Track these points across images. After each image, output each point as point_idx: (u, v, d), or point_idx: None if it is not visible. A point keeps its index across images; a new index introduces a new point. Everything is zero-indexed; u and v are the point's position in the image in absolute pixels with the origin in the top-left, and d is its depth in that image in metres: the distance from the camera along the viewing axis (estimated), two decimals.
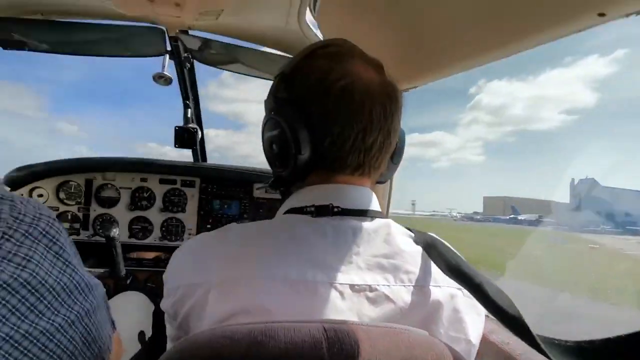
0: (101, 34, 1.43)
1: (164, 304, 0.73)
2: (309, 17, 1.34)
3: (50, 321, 0.52)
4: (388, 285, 0.65)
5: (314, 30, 1.43)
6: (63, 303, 0.55)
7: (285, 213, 0.75)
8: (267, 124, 0.75)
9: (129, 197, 2.04)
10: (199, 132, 1.95)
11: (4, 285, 0.46)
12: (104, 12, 1.37)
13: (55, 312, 0.53)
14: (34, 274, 0.50)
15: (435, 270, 0.69)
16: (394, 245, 0.69)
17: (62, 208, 1.98)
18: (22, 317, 0.48)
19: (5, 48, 1.34)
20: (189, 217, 2.10)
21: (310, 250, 0.66)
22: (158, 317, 1.67)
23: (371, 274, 0.65)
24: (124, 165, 2.03)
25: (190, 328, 0.67)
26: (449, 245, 0.75)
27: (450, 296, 0.68)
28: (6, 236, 0.49)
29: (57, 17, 1.39)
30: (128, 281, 1.83)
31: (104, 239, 1.78)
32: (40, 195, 1.96)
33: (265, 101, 0.79)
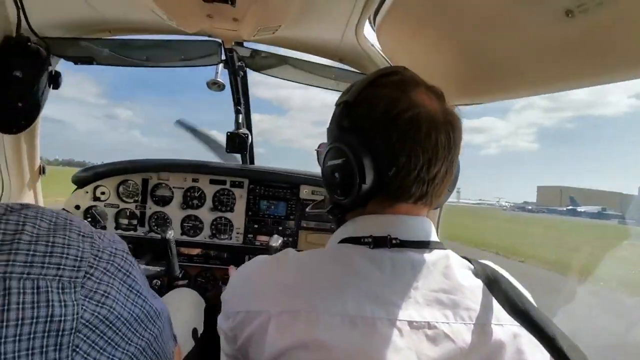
0: (162, 49, 1.49)
1: (223, 325, 0.75)
2: (366, 30, 1.32)
3: (125, 351, 0.55)
4: (447, 323, 0.63)
5: (371, 42, 1.41)
6: (135, 332, 0.57)
7: (340, 242, 0.74)
8: (330, 152, 0.75)
9: (181, 197, 2.13)
10: (249, 137, 1.99)
11: (86, 324, 0.49)
12: (165, 28, 1.42)
13: (129, 342, 0.56)
14: (111, 310, 0.53)
15: (497, 307, 0.66)
16: (453, 279, 0.67)
17: (122, 205, 2.11)
18: (101, 351, 0.51)
19: (76, 63, 1.43)
20: (237, 216, 2.17)
21: (367, 284, 0.65)
22: (209, 315, 1.75)
23: (430, 310, 0.64)
24: (177, 166, 2.12)
25: (250, 355, 0.68)
26: (512, 281, 0.72)
27: (514, 335, 0.65)
28: (88, 275, 0.51)
29: (123, 35, 1.47)
30: (180, 277, 1.93)
31: (159, 236, 1.89)
32: (103, 193, 2.10)
33: (328, 129, 0.79)
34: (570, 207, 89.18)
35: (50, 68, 0.66)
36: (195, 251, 2.14)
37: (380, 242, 0.68)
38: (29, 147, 1.67)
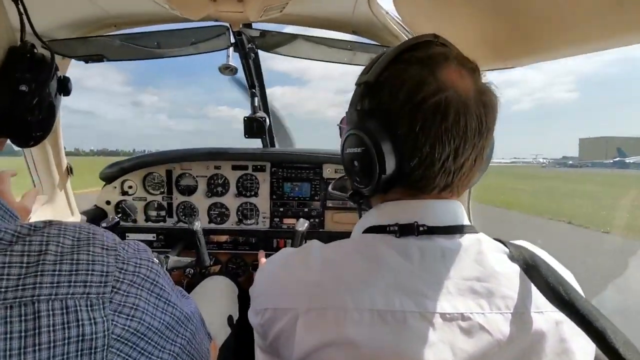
0: (170, 38, 1.45)
1: (253, 321, 0.75)
2: None
3: (158, 359, 0.55)
4: (482, 313, 0.60)
5: (386, 9, 1.32)
6: (168, 339, 0.58)
7: (365, 231, 0.71)
8: (348, 138, 0.70)
9: (205, 185, 2.15)
10: (267, 120, 1.95)
11: (118, 338, 0.49)
12: (170, 17, 1.38)
13: (162, 350, 0.56)
14: (142, 321, 0.53)
15: (536, 293, 0.62)
16: (487, 265, 0.63)
17: (149, 198, 2.15)
18: None
19: (86, 62, 1.43)
20: (262, 201, 2.17)
21: (395, 275, 0.62)
22: (243, 301, 1.79)
23: (463, 299, 0.60)
24: (198, 155, 2.12)
25: (280, 353, 0.67)
26: (553, 263, 0.67)
27: (555, 323, 0.60)
28: (115, 289, 0.51)
29: (129, 28, 1.44)
30: (211, 264, 1.96)
31: (186, 225, 1.92)
32: (130, 187, 2.14)
33: (347, 112, 0.73)
34: (617, 159, 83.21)
35: (59, 74, 0.63)
36: (224, 238, 2.17)
37: (407, 230, 0.65)
38: (54, 150, 1.72)
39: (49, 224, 0.51)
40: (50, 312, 0.44)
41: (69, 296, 0.46)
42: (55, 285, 0.45)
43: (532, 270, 0.62)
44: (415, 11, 1.18)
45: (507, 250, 0.67)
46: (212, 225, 2.17)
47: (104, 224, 1.80)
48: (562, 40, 0.92)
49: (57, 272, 0.46)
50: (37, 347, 0.42)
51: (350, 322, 0.58)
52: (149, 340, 0.54)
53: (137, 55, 1.50)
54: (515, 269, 0.64)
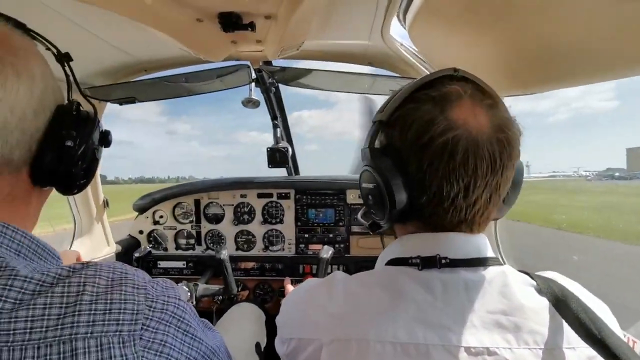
0: (195, 78, 1.54)
1: (279, 350, 0.76)
2: (393, 30, 1.27)
3: None
4: (510, 348, 0.58)
5: (400, 41, 1.36)
6: None
7: (387, 263, 0.72)
8: (363, 174, 0.72)
9: (232, 213, 2.21)
10: (290, 149, 2.01)
11: None
12: (195, 60, 1.48)
13: None
14: (170, 357, 0.55)
15: (567, 328, 0.59)
16: (513, 298, 0.62)
17: (179, 227, 2.23)
18: None
19: (121, 104, 1.54)
20: (288, 227, 2.20)
21: (418, 308, 0.61)
22: (270, 327, 1.80)
23: (488, 333, 0.59)
24: (224, 185, 2.20)
25: None
26: (584, 296, 0.64)
27: (588, 359, 0.58)
28: (144, 326, 0.53)
29: (158, 72, 1.55)
30: (239, 291, 1.99)
31: (214, 252, 1.98)
32: (161, 217, 2.24)
33: (362, 150, 0.74)
34: None
35: (101, 126, 0.69)
36: (251, 264, 2.21)
37: (429, 262, 0.65)
38: (92, 187, 1.84)
39: (86, 265, 0.55)
40: (87, 350, 0.47)
41: (103, 334, 0.49)
42: (91, 324, 0.48)
43: (562, 304, 0.60)
44: (431, 42, 1.20)
45: (534, 283, 0.66)
46: (240, 252, 2.22)
47: (136, 254, 1.88)
48: (581, 67, 0.92)
49: (92, 312, 0.49)
50: None
51: (373, 354, 0.59)
52: None
53: (166, 95, 1.60)
54: (544, 303, 0.62)
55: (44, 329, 0.46)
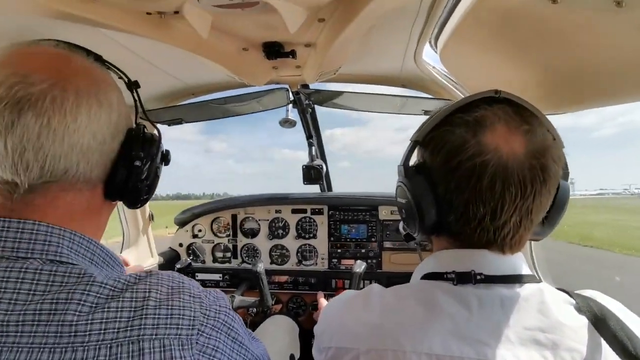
0: (237, 100, 1.65)
1: (317, 358, 0.80)
2: (426, 54, 1.32)
3: None
4: None
5: (432, 64, 1.41)
6: None
7: (423, 278, 0.73)
8: (398, 189, 0.77)
9: (267, 228, 2.29)
10: (324, 167, 2.07)
11: None
12: (238, 84, 1.59)
13: None
14: None
15: (606, 347, 0.59)
16: (551, 316, 0.62)
17: (216, 240, 2.33)
18: None
19: (169, 125, 1.67)
20: (321, 242, 2.25)
21: (453, 322, 0.63)
22: (304, 339, 1.84)
23: (525, 350, 0.60)
24: (260, 201, 2.29)
25: None
26: (624, 315, 0.63)
27: None
28: (200, 332, 0.59)
29: (204, 95, 1.68)
30: (273, 303, 2.05)
31: (250, 266, 2.05)
32: (200, 230, 2.34)
33: (398, 167, 0.77)
34: None
35: (162, 148, 0.78)
36: (285, 278, 2.26)
37: (464, 278, 0.66)
38: None
39: (149, 274, 0.61)
40: (152, 350, 0.53)
41: (165, 336, 0.54)
42: (155, 326, 0.54)
43: (601, 323, 0.60)
44: (462, 65, 1.24)
45: (573, 301, 0.65)
46: (274, 266, 2.29)
47: (178, 265, 1.98)
48: (610, 88, 0.94)
49: (156, 316, 0.55)
50: None
51: None
52: None
53: (210, 116, 1.72)
54: (582, 322, 0.62)
55: (116, 330, 0.52)
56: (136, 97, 0.78)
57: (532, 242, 1.58)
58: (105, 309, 0.53)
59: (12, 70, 0.55)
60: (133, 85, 0.77)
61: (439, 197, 0.67)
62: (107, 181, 0.65)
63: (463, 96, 1.44)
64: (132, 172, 0.66)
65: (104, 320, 0.52)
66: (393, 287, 0.74)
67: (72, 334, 0.51)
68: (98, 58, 0.68)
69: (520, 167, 0.61)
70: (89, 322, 0.52)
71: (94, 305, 0.53)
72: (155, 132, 0.76)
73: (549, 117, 0.69)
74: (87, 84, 0.59)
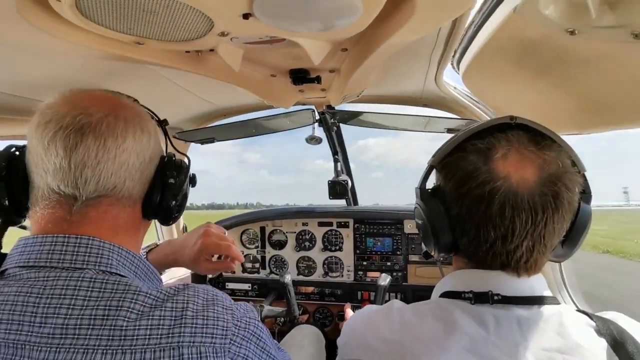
0: (267, 119, 1.74)
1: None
2: (447, 75, 1.36)
3: None
4: None
5: (453, 85, 1.45)
6: None
7: (441, 296, 0.75)
8: (415, 210, 0.80)
9: (294, 240, 2.35)
10: (349, 183, 2.13)
11: None
12: (266, 106, 1.68)
13: None
14: None
15: None
16: (569, 338, 0.62)
17: (246, 252, 2.41)
18: None
19: (202, 144, 1.78)
20: (346, 255, 2.29)
21: (470, 340, 0.64)
22: (330, 350, 1.87)
23: None
24: (288, 214, 2.37)
25: None
26: None
27: None
28: (232, 341, 0.64)
29: (235, 116, 1.78)
30: (300, 314, 2.10)
31: (278, 276, 2.11)
32: None
33: (415, 189, 0.80)
34: None
35: (189, 173, 0.87)
36: (311, 289, 2.32)
37: (482, 298, 0.67)
38: None
39: (187, 286, 0.68)
40: (190, 355, 0.58)
41: (202, 344, 0.60)
42: (193, 334, 0.60)
43: (620, 346, 0.61)
44: (485, 87, 1.27)
45: (593, 324, 0.66)
46: (301, 277, 2.35)
47: (210, 275, 2.07)
48: (631, 112, 0.95)
49: (194, 325, 0.61)
50: None
51: None
52: None
53: (240, 135, 1.82)
54: (602, 344, 0.62)
55: (159, 336, 0.58)
56: (166, 131, 0.89)
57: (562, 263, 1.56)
58: (150, 317, 0.59)
59: (73, 105, 0.65)
60: (162, 123, 0.86)
61: (452, 220, 0.70)
62: (145, 200, 0.73)
63: (485, 115, 1.47)
64: (165, 193, 0.74)
65: (149, 327, 0.58)
66: (413, 304, 0.77)
67: (122, 337, 0.56)
68: (135, 101, 0.78)
69: (530, 195, 0.62)
70: (136, 327, 0.57)
71: (140, 313, 0.59)
72: (185, 159, 0.85)
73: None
74: (133, 115, 0.69)
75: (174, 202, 0.76)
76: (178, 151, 0.89)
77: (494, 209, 0.63)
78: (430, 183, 0.79)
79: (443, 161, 0.74)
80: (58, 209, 0.65)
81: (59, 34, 0.78)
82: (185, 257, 1.04)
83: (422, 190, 0.77)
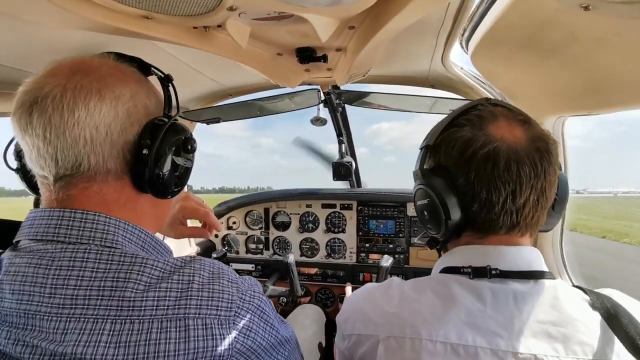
0: (272, 99, 1.75)
1: (340, 346, 0.86)
2: (454, 56, 1.35)
3: None
4: (557, 357, 0.61)
5: (460, 65, 1.44)
6: (271, 356, 0.72)
7: (441, 272, 0.78)
8: (417, 193, 0.81)
9: (298, 221, 2.38)
10: (353, 164, 2.14)
11: (237, 352, 0.64)
12: (272, 85, 1.68)
13: None
14: (254, 340, 0.68)
15: (618, 343, 0.61)
16: (563, 311, 0.65)
17: (250, 232, 2.45)
18: None
19: (207, 124, 1.79)
20: (349, 237, 2.32)
21: (468, 313, 0.67)
22: (330, 329, 1.92)
23: (536, 342, 0.63)
24: (292, 195, 2.39)
25: None
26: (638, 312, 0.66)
27: None
28: (236, 314, 0.66)
29: (241, 96, 1.78)
30: (302, 294, 2.14)
31: (281, 257, 2.14)
32: (234, 223, 2.47)
33: (414, 172, 0.83)
34: None
35: (189, 140, 0.74)
36: (314, 270, 2.35)
37: (480, 272, 0.70)
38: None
39: (194, 259, 0.68)
40: (195, 326, 0.60)
41: (207, 316, 0.62)
42: (198, 307, 0.61)
43: (613, 319, 0.63)
44: (493, 65, 1.26)
45: (587, 298, 0.68)
46: (304, 259, 2.38)
47: (214, 255, 2.11)
48: (632, 93, 0.95)
49: (199, 297, 0.62)
50: (186, 352, 0.59)
51: (425, 351, 0.66)
52: (258, 356, 0.69)
53: (245, 115, 1.82)
54: (595, 317, 0.64)
55: (165, 307, 0.59)
56: (170, 91, 0.77)
57: (563, 242, 1.57)
58: (157, 289, 0.60)
59: (39, 78, 0.62)
60: (165, 80, 0.77)
61: (460, 190, 0.72)
62: (131, 172, 0.67)
63: (492, 97, 1.46)
64: (146, 162, 0.66)
65: (156, 298, 0.59)
66: (412, 280, 0.79)
67: (131, 308, 0.58)
68: (121, 56, 0.72)
69: (528, 150, 0.68)
70: (144, 299, 0.58)
71: (147, 285, 0.60)
72: (187, 125, 0.76)
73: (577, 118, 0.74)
74: (90, 80, 0.62)
75: (163, 174, 0.69)
76: (178, 111, 0.77)
77: (501, 165, 0.67)
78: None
79: (438, 139, 0.77)
80: (44, 189, 0.66)
81: (61, 3, 0.74)
82: None
83: (422, 170, 0.79)
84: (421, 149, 0.81)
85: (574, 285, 0.72)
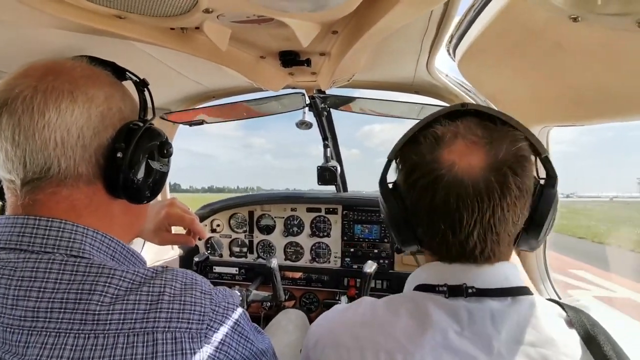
0: (259, 102, 1.72)
1: (303, 356, 0.82)
2: (438, 63, 1.35)
3: None
4: None
5: (445, 72, 1.43)
6: None
7: (415, 289, 0.73)
8: (379, 204, 0.80)
9: (282, 225, 2.36)
10: (338, 169, 2.12)
11: None
12: (256, 88, 1.65)
13: None
14: (227, 354, 0.65)
15: None
16: (542, 331, 0.62)
17: (234, 235, 2.41)
18: None
19: (190, 126, 1.76)
20: (334, 241, 2.30)
21: (444, 335, 0.63)
22: None
23: None
24: (276, 199, 2.36)
25: None
26: (617, 329, 0.63)
27: None
28: (209, 327, 0.63)
29: (224, 98, 1.75)
30: (286, 299, 2.12)
31: (265, 261, 2.11)
32: (218, 225, 2.43)
33: (378, 182, 0.80)
34: None
35: (164, 144, 0.74)
36: (298, 274, 2.33)
37: (456, 291, 0.66)
38: (162, 195, 2.05)
39: (166, 269, 0.66)
40: (164, 341, 0.58)
41: (177, 329, 0.59)
42: (168, 320, 0.59)
43: (591, 339, 0.61)
44: (479, 73, 1.26)
45: (564, 314, 0.66)
46: (288, 262, 2.35)
47: (196, 258, 2.07)
48: (628, 105, 0.94)
49: (170, 310, 0.60)
50: None
51: None
52: None
53: (230, 118, 1.80)
54: (574, 337, 0.62)
55: (133, 321, 0.57)
56: (146, 96, 0.76)
57: (546, 252, 1.58)
58: (125, 301, 0.58)
59: (10, 80, 0.60)
60: (140, 85, 0.75)
61: (408, 211, 0.71)
62: (104, 177, 0.65)
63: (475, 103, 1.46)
64: (119, 166, 0.64)
65: (123, 312, 0.57)
66: (384, 299, 0.75)
67: (95, 322, 0.56)
68: (94, 60, 0.70)
69: (475, 182, 0.62)
70: (110, 312, 0.56)
71: (114, 297, 0.58)
72: (163, 129, 0.74)
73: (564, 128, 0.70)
74: (62, 82, 0.60)
75: (138, 178, 0.68)
76: (152, 112, 0.77)
77: (438, 198, 0.64)
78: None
79: (398, 153, 0.75)
80: (10, 194, 0.63)
81: (29, 2, 0.71)
82: (145, 225, 0.96)
83: (380, 184, 0.77)
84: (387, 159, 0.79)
85: (549, 299, 0.70)
